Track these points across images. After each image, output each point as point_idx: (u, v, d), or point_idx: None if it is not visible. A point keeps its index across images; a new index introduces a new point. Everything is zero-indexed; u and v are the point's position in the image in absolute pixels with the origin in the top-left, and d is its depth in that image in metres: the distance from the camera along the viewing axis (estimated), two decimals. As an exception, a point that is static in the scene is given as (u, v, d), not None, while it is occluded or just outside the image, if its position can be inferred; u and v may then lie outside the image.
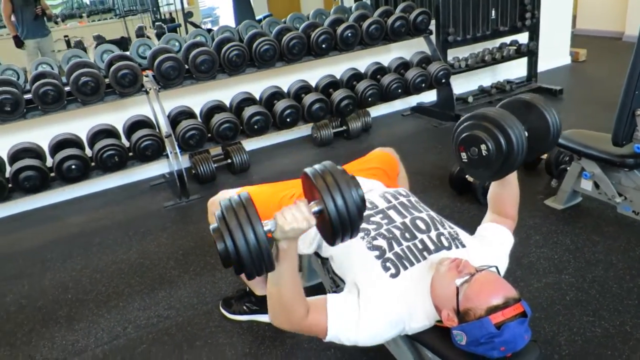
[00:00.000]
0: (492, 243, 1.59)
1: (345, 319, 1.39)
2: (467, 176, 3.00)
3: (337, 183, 1.21)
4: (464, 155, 1.58)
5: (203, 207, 3.27)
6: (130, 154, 3.25)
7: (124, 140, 3.38)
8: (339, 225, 1.21)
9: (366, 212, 1.58)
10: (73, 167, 3.03)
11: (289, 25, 3.98)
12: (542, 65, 5.21)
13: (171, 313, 2.31)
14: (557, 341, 1.89)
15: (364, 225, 1.54)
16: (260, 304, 2.15)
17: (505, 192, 1.68)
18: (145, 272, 2.67)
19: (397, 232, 1.51)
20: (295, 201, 1.25)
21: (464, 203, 2.98)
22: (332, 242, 1.28)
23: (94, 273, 2.71)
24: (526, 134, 1.52)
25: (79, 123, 3.45)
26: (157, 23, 7.76)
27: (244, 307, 2.19)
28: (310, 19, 4.21)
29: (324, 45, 3.76)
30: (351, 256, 1.51)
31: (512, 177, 1.65)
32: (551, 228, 2.63)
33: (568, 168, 2.75)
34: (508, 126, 1.46)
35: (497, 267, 1.36)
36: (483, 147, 1.50)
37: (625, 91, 2.23)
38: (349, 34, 3.83)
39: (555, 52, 5.71)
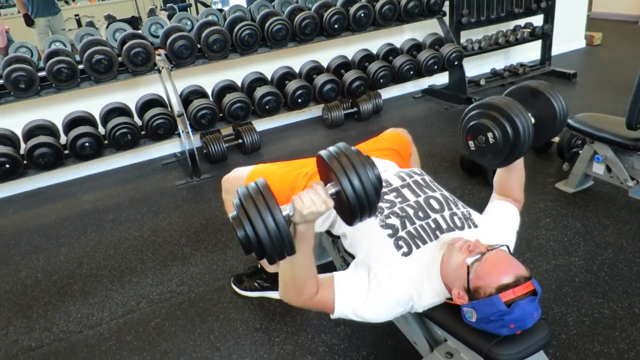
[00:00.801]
0: (502, 223, 1.60)
1: (352, 295, 1.41)
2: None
3: (353, 164, 1.21)
4: (471, 143, 1.60)
5: (214, 186, 3.34)
6: (143, 132, 3.28)
7: (136, 118, 3.40)
8: (357, 206, 1.22)
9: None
10: (86, 144, 3.06)
11: (302, 5, 3.95)
12: (557, 49, 5.14)
13: (183, 289, 2.35)
14: (565, 321, 1.91)
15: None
16: (271, 280, 2.18)
17: (511, 177, 1.68)
18: (157, 249, 2.71)
19: (411, 211, 1.52)
20: (312, 184, 1.26)
21: (475, 185, 2.98)
22: (350, 223, 1.29)
23: (107, 249, 2.76)
24: (533, 120, 1.53)
25: (92, 101, 3.47)
26: (168, 4, 7.72)
27: (255, 284, 2.22)
28: (322, -1, 4.17)
29: (336, 26, 3.73)
30: (364, 234, 1.52)
31: (519, 163, 1.65)
32: (561, 211, 2.64)
33: (580, 151, 2.74)
34: (514, 114, 1.48)
35: (508, 247, 1.38)
36: (490, 135, 1.52)
37: (641, 74, 2.21)
38: (362, 14, 3.79)
39: (570, 35, 5.63)
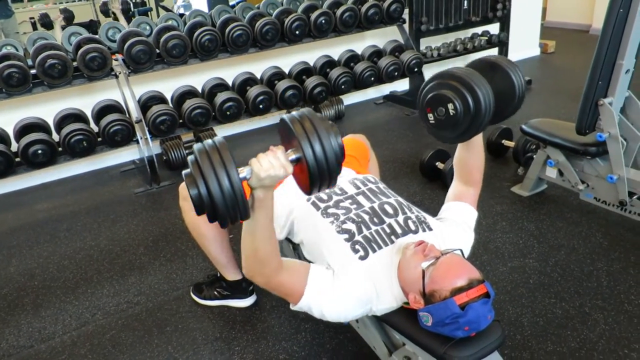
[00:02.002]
0: (457, 222, 1.62)
1: (321, 290, 1.40)
2: (437, 163, 3.05)
3: (316, 130, 1.15)
4: (430, 116, 1.53)
5: (174, 194, 3.24)
6: (99, 139, 3.19)
7: (92, 125, 3.32)
8: (317, 174, 1.16)
9: (336, 198, 1.60)
10: (39, 152, 2.95)
11: (262, 10, 3.94)
12: (512, 56, 5.29)
13: (141, 299, 2.30)
14: (520, 322, 1.95)
15: (333, 210, 1.56)
16: (231, 289, 2.16)
17: (471, 155, 1.66)
18: (114, 258, 2.64)
19: (366, 217, 1.53)
20: (272, 148, 1.20)
21: (434, 190, 3.03)
22: (309, 192, 1.24)
23: (61, 260, 2.67)
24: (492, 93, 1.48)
25: (45, 107, 3.37)
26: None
27: (215, 293, 2.19)
28: (284, 5, 4.17)
29: (297, 32, 3.74)
30: (321, 240, 1.53)
31: (478, 141, 1.63)
32: (517, 214, 2.71)
33: (534, 156, 2.83)
34: (475, 85, 1.43)
35: (461, 250, 1.40)
36: (450, 106, 1.46)
37: (589, 82, 2.29)
38: (323, 21, 3.82)
39: (525, 43, 5.81)
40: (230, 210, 1.13)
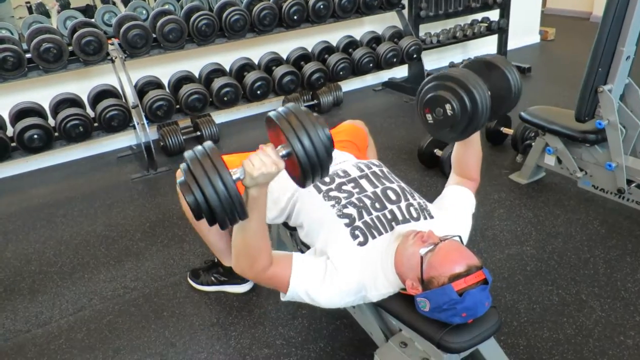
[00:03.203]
0: (457, 209, 1.62)
1: (309, 276, 1.40)
2: (435, 151, 3.04)
3: (303, 124, 1.17)
4: (429, 116, 1.56)
5: (171, 180, 3.27)
6: (96, 124, 3.17)
7: (88, 110, 3.29)
8: (308, 167, 1.18)
9: (338, 180, 1.59)
10: (35, 136, 2.93)
11: (260, -5, 3.89)
12: (512, 43, 5.27)
13: (138, 284, 2.30)
14: (516, 309, 1.96)
15: (335, 193, 1.55)
16: (228, 274, 2.15)
17: (468, 152, 1.68)
18: (111, 244, 2.63)
19: (368, 202, 1.52)
20: (261, 146, 1.22)
21: (432, 177, 3.02)
22: (303, 184, 1.26)
23: (58, 245, 2.66)
24: (489, 93, 1.50)
25: (41, 92, 3.34)
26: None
27: (212, 278, 2.19)
28: (281, -11, 4.12)
29: (295, 17, 3.70)
30: (321, 224, 1.52)
31: (476, 138, 1.64)
32: (515, 202, 2.70)
33: (533, 143, 2.82)
34: (472, 85, 1.45)
35: (460, 237, 1.39)
36: (448, 107, 1.48)
37: (588, 69, 2.28)
38: (321, 6, 3.77)
39: (525, 30, 5.77)
40: (228, 213, 1.16)
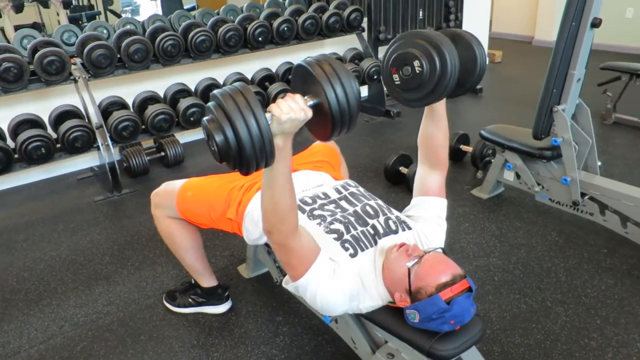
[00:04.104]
0: (431, 218, 1.66)
1: (322, 275, 1.41)
2: (400, 168, 3.15)
3: (337, 73, 1.14)
4: (396, 77, 1.49)
5: (137, 201, 3.23)
6: (58, 145, 3.09)
7: (50, 131, 3.20)
8: (338, 117, 1.15)
9: (320, 202, 1.64)
10: (-6, 159, 2.83)
11: (224, 17, 3.94)
12: (464, 65, 5.51)
13: (111, 309, 2.24)
14: (489, 317, 2.05)
15: (319, 212, 1.59)
16: (206, 295, 2.15)
17: (436, 127, 1.64)
18: (78, 268, 2.56)
19: (352, 219, 1.57)
20: (289, 93, 1.19)
21: (398, 193, 3.12)
22: (328, 137, 1.22)
23: (21, 271, 2.56)
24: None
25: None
26: (75, 13, 7.31)
27: (190, 300, 2.17)
28: (244, 11, 4.19)
29: (260, 38, 3.77)
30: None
31: (443, 115, 1.63)
32: (478, 216, 2.84)
33: (492, 160, 2.97)
34: (442, 44, 1.40)
35: (442, 249, 1.47)
36: (416, 63, 1.42)
37: (544, 90, 2.44)
38: (285, 28, 3.86)
39: (474, 52, 6.05)
40: (258, 154, 1.10)
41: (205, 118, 1.15)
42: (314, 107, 1.18)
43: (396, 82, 1.50)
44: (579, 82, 2.43)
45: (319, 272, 1.40)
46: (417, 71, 1.42)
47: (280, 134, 1.18)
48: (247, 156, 1.10)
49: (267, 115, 1.14)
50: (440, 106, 1.60)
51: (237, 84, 1.15)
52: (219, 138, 1.09)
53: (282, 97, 1.17)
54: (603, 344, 1.90)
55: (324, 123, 1.19)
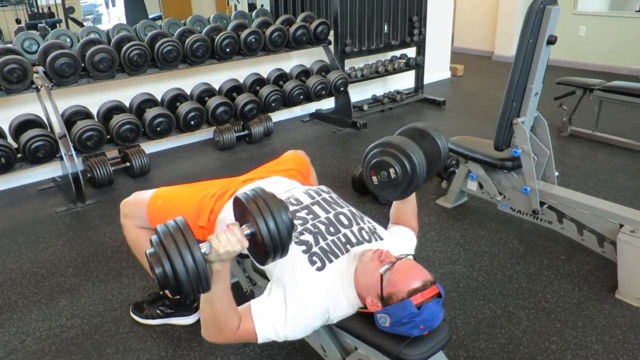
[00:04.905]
0: (402, 239, 1.77)
1: (272, 319, 1.44)
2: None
3: (269, 206, 1.30)
4: (374, 178, 1.76)
5: (102, 212, 3.17)
6: (19, 155, 3.00)
7: (10, 140, 3.11)
8: (271, 246, 1.30)
9: (292, 208, 1.65)
10: (-50, 169, 2.73)
11: (191, 27, 3.93)
12: (427, 78, 5.67)
13: (75, 322, 2.19)
14: (454, 323, 2.11)
15: (291, 221, 1.61)
16: (175, 306, 2.13)
17: (406, 208, 1.88)
18: (40, 281, 2.49)
19: (322, 227, 1.60)
20: (228, 225, 1.31)
21: (366, 203, 3.17)
22: (264, 262, 1.36)
23: (-22, 285, 2.47)
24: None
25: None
26: (35, 20, 7.14)
27: (158, 311, 2.14)
28: (210, 22, 4.19)
29: (228, 49, 3.78)
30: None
31: (412, 195, 1.85)
32: (443, 225, 2.91)
33: (456, 170, 3.06)
34: (411, 152, 1.68)
35: (413, 255, 1.51)
36: (392, 171, 1.70)
37: (504, 104, 2.54)
38: (253, 40, 3.88)
39: (437, 66, 6.25)
40: (194, 285, 1.22)
41: (148, 251, 1.27)
42: (250, 236, 1.32)
43: (375, 183, 1.77)
44: (536, 96, 2.54)
45: (266, 329, 1.44)
46: (393, 177, 1.71)
47: (218, 261, 1.31)
48: (185, 288, 1.22)
49: (206, 244, 1.28)
50: None
51: (178, 219, 1.27)
52: (157, 271, 1.21)
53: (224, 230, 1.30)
54: (563, 347, 1.98)
55: (259, 249, 1.33)
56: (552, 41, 2.39)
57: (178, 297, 2.06)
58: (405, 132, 1.90)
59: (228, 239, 1.27)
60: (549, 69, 2.58)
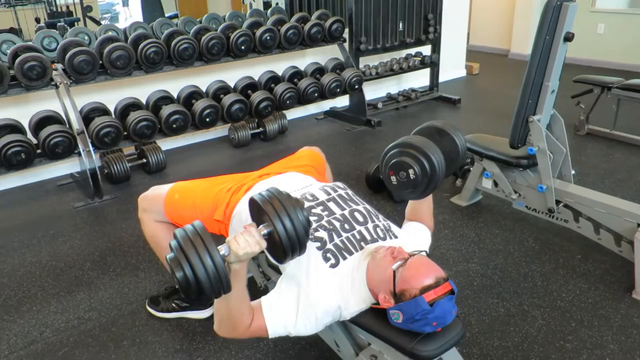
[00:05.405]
0: (417, 236, 1.77)
1: (282, 314, 1.46)
2: (381, 176, 3.20)
3: (284, 206, 1.32)
4: (393, 179, 1.74)
5: (118, 208, 3.22)
6: (39, 151, 3.06)
7: (29, 136, 3.17)
8: (288, 245, 1.32)
9: (307, 204, 1.67)
10: (-28, 164, 2.79)
11: (207, 25, 3.96)
12: (442, 76, 5.64)
13: (93, 315, 2.23)
14: (468, 321, 2.10)
15: (306, 217, 1.62)
16: (190, 300, 2.15)
17: (422, 207, 1.87)
18: (59, 274, 2.53)
19: (337, 224, 1.61)
20: (245, 227, 1.34)
21: (380, 201, 3.17)
22: (283, 260, 1.38)
23: (-1, 277, 2.53)
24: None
25: (-24, 117, 3.19)
26: (54, 19, 7.25)
27: (173, 305, 2.17)
28: (226, 20, 4.22)
29: (243, 47, 3.80)
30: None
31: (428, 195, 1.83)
32: (457, 223, 2.90)
33: (471, 168, 3.04)
34: (430, 152, 1.66)
35: (426, 252, 1.51)
36: (411, 171, 1.68)
37: (520, 101, 2.52)
38: (268, 37, 3.90)
39: (453, 64, 6.21)
40: (215, 288, 1.24)
41: (168, 255, 1.29)
42: (268, 236, 1.34)
43: (394, 183, 1.75)
44: (553, 94, 2.52)
45: (277, 326, 1.47)
46: (412, 177, 1.69)
47: (237, 262, 1.33)
48: (206, 292, 1.24)
49: (225, 247, 1.30)
50: None
51: (195, 223, 1.29)
52: (179, 275, 1.23)
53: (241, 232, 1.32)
54: (578, 346, 1.96)
55: (278, 248, 1.35)
56: (569, 38, 2.37)
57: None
58: (424, 131, 1.88)
59: (246, 240, 1.30)
60: (566, 67, 2.56)
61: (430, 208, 1.89)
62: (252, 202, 1.39)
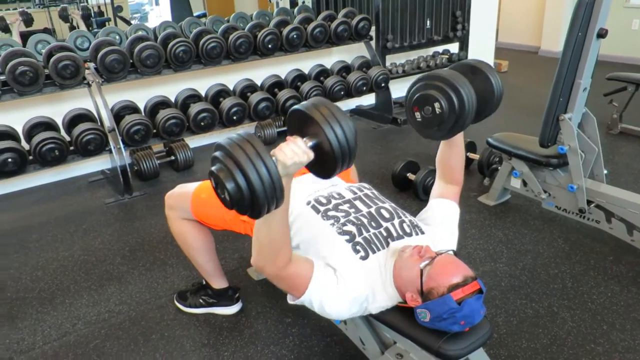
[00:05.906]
0: (443, 222, 1.73)
1: (325, 284, 1.44)
2: (408, 174, 3.18)
3: (333, 113, 1.22)
4: (417, 115, 1.60)
5: (147, 204, 3.28)
6: (71, 148, 3.14)
7: (63, 133, 3.26)
8: (340, 155, 1.22)
9: (334, 202, 1.67)
10: (9, 160, 2.88)
11: (234, 24, 4.00)
12: (470, 74, 5.55)
13: (123, 308, 2.28)
14: (495, 322, 2.08)
15: (333, 213, 1.63)
16: (217, 296, 2.18)
17: (453, 154, 1.76)
18: (91, 268, 2.60)
19: (365, 220, 1.61)
20: (288, 137, 1.25)
21: (406, 200, 3.15)
22: (331, 174, 1.28)
23: (34, 270, 2.60)
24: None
25: (12, 115, 3.29)
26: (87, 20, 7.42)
27: (200, 300, 2.20)
28: (253, 19, 4.25)
29: (270, 46, 3.82)
30: (321, 242, 1.57)
31: (459, 139, 1.73)
32: (485, 222, 2.86)
33: (499, 167, 3.00)
34: (460, 85, 1.50)
35: (454, 251, 1.50)
36: (437, 105, 1.53)
37: (550, 99, 2.48)
38: (295, 36, 3.92)
39: (481, 62, 6.10)
40: (270, 199, 1.14)
41: (213, 167, 1.18)
42: (314, 148, 1.24)
43: (418, 120, 1.61)
44: (585, 91, 2.46)
45: (319, 286, 1.43)
46: (438, 112, 1.54)
47: (285, 176, 1.23)
48: (260, 202, 1.14)
49: (272, 159, 1.18)
50: (458, 134, 1.67)
51: (242, 132, 1.19)
52: (230, 186, 1.13)
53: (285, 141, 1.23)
54: (609, 349, 1.92)
55: (325, 162, 1.25)
56: (602, 35, 2.32)
57: (219, 287, 2.14)
58: (456, 68, 1.70)
59: (293, 150, 1.20)
60: (598, 64, 2.50)
61: (461, 155, 1.78)
62: (294, 114, 1.27)
